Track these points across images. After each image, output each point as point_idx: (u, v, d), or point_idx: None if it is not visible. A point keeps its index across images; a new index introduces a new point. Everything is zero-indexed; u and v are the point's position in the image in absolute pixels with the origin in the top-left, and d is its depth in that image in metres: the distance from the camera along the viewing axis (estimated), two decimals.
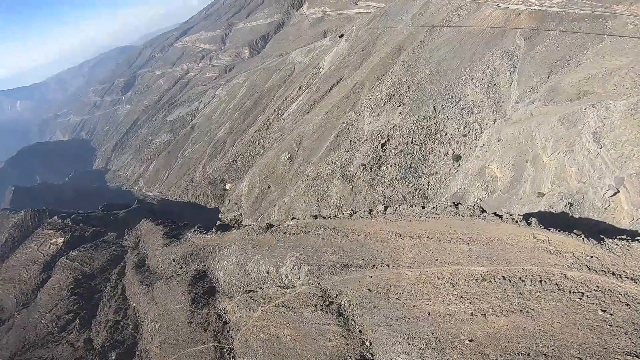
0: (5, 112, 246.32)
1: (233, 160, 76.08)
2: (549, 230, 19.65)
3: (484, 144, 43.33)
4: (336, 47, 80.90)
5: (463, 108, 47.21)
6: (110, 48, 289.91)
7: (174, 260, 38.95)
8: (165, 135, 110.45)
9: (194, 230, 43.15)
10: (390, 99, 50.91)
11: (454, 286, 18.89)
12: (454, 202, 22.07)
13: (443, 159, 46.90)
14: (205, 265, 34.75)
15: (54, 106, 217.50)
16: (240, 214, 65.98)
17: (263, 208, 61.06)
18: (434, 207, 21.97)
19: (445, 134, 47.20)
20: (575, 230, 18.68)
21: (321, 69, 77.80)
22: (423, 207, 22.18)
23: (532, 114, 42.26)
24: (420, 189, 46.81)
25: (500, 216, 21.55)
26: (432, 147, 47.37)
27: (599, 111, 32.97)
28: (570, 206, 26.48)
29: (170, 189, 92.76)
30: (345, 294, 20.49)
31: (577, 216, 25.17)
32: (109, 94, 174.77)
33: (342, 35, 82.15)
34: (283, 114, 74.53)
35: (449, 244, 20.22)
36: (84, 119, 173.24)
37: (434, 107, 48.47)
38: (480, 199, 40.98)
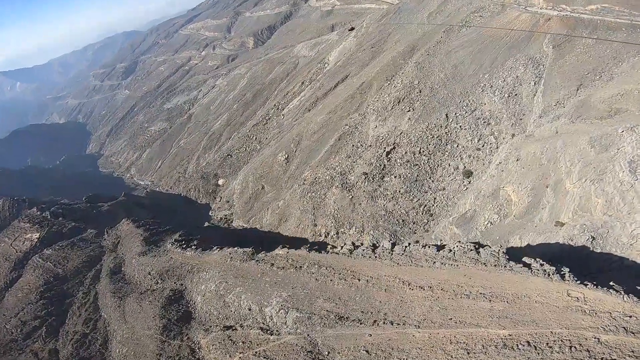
0: (5, 93, 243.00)
1: (228, 155, 71.92)
2: (585, 285, 16.22)
3: (500, 162, 39.12)
4: (344, 42, 76.26)
5: (479, 118, 42.89)
6: (116, 33, 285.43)
7: (149, 274, 34.94)
8: (161, 124, 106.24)
9: (174, 242, 38.97)
10: (399, 102, 46.54)
11: (469, 354, 15.03)
12: (474, 246, 17.94)
13: (453, 173, 42.72)
14: (182, 285, 30.74)
15: (54, 89, 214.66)
16: (232, 213, 62.10)
17: (255, 209, 57.10)
18: (451, 250, 17.85)
19: (457, 146, 42.93)
20: (614, 285, 15.77)
21: (326, 65, 73.27)
22: (438, 249, 18.02)
23: (557, 132, 38.01)
24: (426, 205, 42.74)
25: (529, 266, 17.55)
26: (441, 160, 43.14)
27: (639, 136, 28.77)
28: (593, 240, 24.13)
29: (162, 179, 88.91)
30: (339, 353, 16.56)
31: (598, 250, 23.09)
32: (110, 79, 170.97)
33: (352, 29, 77.45)
34: (283, 109, 70.18)
35: (467, 299, 16.24)
36: (82, 103, 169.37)
37: (446, 114, 44.14)
38: (491, 223, 37.28)
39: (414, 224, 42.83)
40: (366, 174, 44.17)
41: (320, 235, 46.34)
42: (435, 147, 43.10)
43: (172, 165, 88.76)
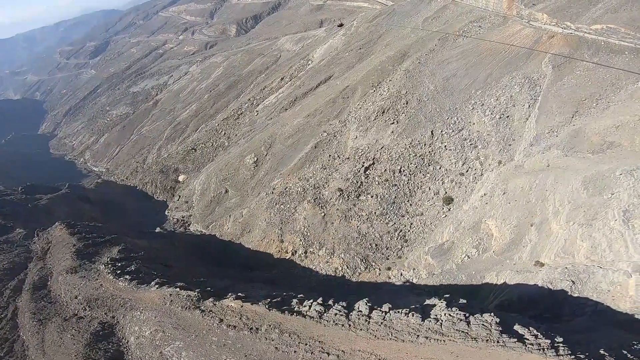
0: None
1: (192, 148, 66.38)
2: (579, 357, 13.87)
3: (485, 194, 36.38)
4: (331, 39, 72.33)
5: (465, 139, 39.87)
6: (94, 10, 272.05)
7: (76, 297, 29.51)
8: (124, 108, 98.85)
9: (108, 263, 33.32)
10: (383, 112, 42.96)
11: None
12: (464, 315, 14.19)
13: (432, 198, 39.59)
14: (114, 319, 25.52)
15: (14, 63, 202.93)
16: (190, 215, 56.84)
17: (216, 214, 52.15)
18: (438, 321, 13.98)
19: (440, 168, 39.77)
20: None
21: (310, 62, 69.07)
22: (423, 319, 14.15)
23: (548, 165, 35.58)
24: (401, 231, 39.49)
25: (523, 338, 14.12)
26: (422, 182, 39.88)
27: (637, 181, 26.67)
28: (572, 284, 23.95)
29: (118, 167, 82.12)
30: None
31: (575, 295, 23.05)
32: (76, 57, 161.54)
33: (341, 25, 73.57)
34: (258, 105, 65.39)
35: None
36: (42, 80, 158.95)
37: (432, 131, 40.91)
38: (468, 257, 35.27)
39: (387, 249, 39.58)
40: (341, 190, 40.28)
41: (287, 253, 42.23)
42: (417, 167, 39.75)
43: (130, 152, 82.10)
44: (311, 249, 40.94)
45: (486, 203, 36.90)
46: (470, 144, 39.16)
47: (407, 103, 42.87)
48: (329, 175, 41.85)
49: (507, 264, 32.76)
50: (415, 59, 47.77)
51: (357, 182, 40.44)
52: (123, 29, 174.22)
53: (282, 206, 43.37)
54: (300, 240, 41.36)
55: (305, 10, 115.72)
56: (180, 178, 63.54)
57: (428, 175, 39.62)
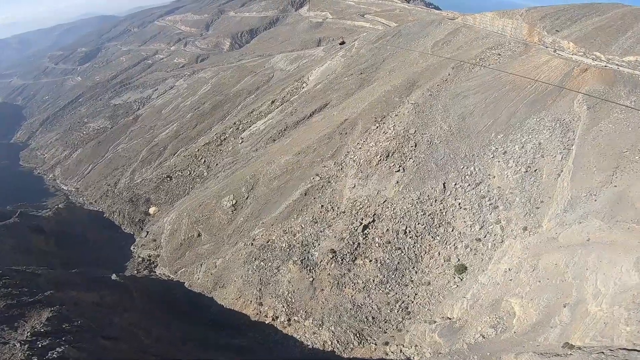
0: None
1: (167, 176, 58.31)
2: None
3: (510, 269, 29.17)
4: (329, 60, 65.50)
5: (484, 197, 32.51)
6: (92, 16, 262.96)
7: None
8: (102, 121, 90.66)
9: (25, 343, 24.89)
10: (387, 156, 35.61)
11: None
12: None
13: (442, 265, 32.24)
14: None
15: (4, 65, 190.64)
16: (157, 256, 48.65)
17: (187, 260, 44.07)
18: None
19: (452, 230, 32.33)
20: None
21: (304, 85, 61.98)
22: None
23: (589, 239, 28.61)
24: (404, 302, 32.11)
25: None
26: (430, 245, 32.42)
27: None
28: None
29: (88, 189, 73.54)
30: None
31: None
32: (65, 62, 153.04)
33: (343, 43, 66.84)
34: (244, 131, 57.80)
35: None
36: (27, 84, 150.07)
37: (444, 184, 33.56)
38: (483, 336, 28.15)
39: (385, 322, 32.12)
40: (334, 252, 32.55)
41: (267, 317, 34.33)
42: (425, 228, 32.22)
43: (103, 173, 73.70)
44: (295, 318, 33.17)
45: (510, 279, 29.80)
46: (490, 204, 31.80)
47: (415, 146, 35.62)
48: (320, 231, 34.13)
49: (529, 345, 25.97)
50: (426, 90, 40.79)
51: (354, 243, 32.79)
52: (117, 36, 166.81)
53: (262, 263, 35.52)
54: (283, 306, 33.58)
55: (304, 28, 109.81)
56: (151, 210, 55.33)
57: (438, 238, 32.15)
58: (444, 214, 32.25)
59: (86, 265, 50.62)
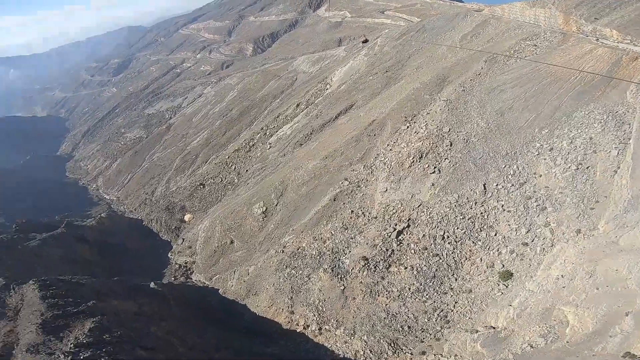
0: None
1: (200, 184, 57.50)
2: None
3: (563, 276, 25.63)
4: (352, 60, 62.39)
5: (530, 198, 28.82)
6: (121, 27, 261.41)
7: None
8: (138, 131, 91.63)
9: (68, 354, 24.14)
10: (421, 157, 32.51)
11: None
12: None
13: (485, 272, 28.95)
14: None
15: (46, 79, 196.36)
16: (193, 262, 47.89)
17: (221, 267, 42.93)
18: None
19: (495, 235, 28.90)
20: None
21: (328, 86, 59.27)
22: None
23: None
24: (442, 310, 29.17)
25: None
26: (470, 251, 29.19)
27: None
28: None
29: (128, 197, 74.32)
30: None
31: None
32: (100, 74, 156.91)
33: (366, 41, 63.31)
34: (271, 136, 55.97)
35: None
36: (68, 97, 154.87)
37: (484, 185, 30.12)
38: (532, 346, 24.98)
39: (422, 331, 29.35)
40: (367, 259, 29.99)
41: (298, 326, 32.40)
42: (465, 232, 29.02)
43: (140, 182, 74.15)
44: (326, 327, 31.04)
45: (563, 287, 26.26)
46: (537, 205, 28.12)
47: (451, 145, 32.32)
48: (351, 238, 31.64)
49: (584, 355, 22.69)
50: (458, 85, 37.18)
51: (387, 250, 30.09)
52: (145, 46, 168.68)
53: (293, 271, 33.52)
54: (314, 315, 31.51)
55: (323, 28, 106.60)
56: (186, 218, 54.71)
57: (479, 243, 28.87)
58: (485, 217, 28.91)
59: (127, 273, 50.60)
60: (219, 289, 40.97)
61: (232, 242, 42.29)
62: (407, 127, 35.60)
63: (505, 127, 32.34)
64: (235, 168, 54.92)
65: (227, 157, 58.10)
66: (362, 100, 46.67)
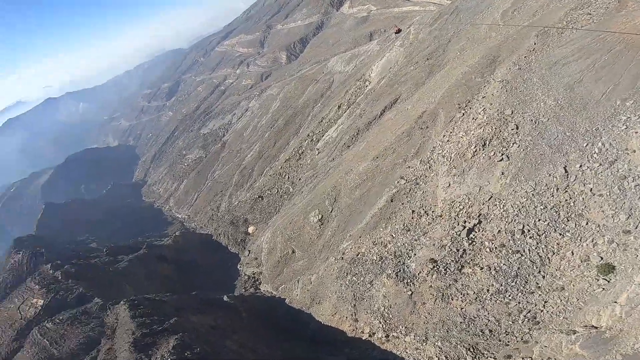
0: (71, 114, 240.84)
1: (259, 197, 57.57)
2: None
3: None
4: (387, 53, 58.43)
5: (624, 177, 23.74)
6: (163, 51, 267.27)
7: None
8: (197, 151, 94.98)
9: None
10: (484, 145, 28.61)
11: None
12: None
13: (579, 267, 24.43)
14: None
15: (110, 109, 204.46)
16: (260, 273, 47.83)
17: (285, 276, 42.18)
18: None
19: (587, 224, 24.23)
20: None
21: (367, 83, 56.01)
22: None
23: None
24: (530, 311, 25.22)
25: None
26: (558, 244, 24.82)
27: None
28: None
29: (197, 214, 77.21)
30: None
31: None
32: (155, 99, 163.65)
33: (399, 31, 58.93)
34: (318, 141, 54.20)
35: None
36: (132, 124, 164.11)
37: (564, 168, 25.52)
38: None
39: (506, 334, 25.66)
40: (435, 261, 26.97)
41: (363, 333, 30.34)
42: (548, 224, 24.76)
43: (206, 199, 76.58)
44: (394, 334, 28.52)
45: None
46: (636, 185, 23.11)
47: (517, 128, 28.00)
48: (415, 240, 28.75)
49: None
50: (512, 64, 32.40)
51: (458, 250, 26.79)
52: (189, 68, 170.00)
53: (354, 278, 31.46)
54: (380, 322, 29.16)
55: (350, 25, 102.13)
56: (250, 230, 55.08)
57: (568, 235, 24.47)
58: (571, 204, 24.47)
59: (202, 287, 52.08)
60: (285, 299, 40.28)
61: (293, 251, 41.29)
62: (463, 114, 31.66)
63: (578, 102, 27.27)
64: (288, 177, 54.07)
65: (279, 167, 57.45)
66: (407, 93, 43.01)
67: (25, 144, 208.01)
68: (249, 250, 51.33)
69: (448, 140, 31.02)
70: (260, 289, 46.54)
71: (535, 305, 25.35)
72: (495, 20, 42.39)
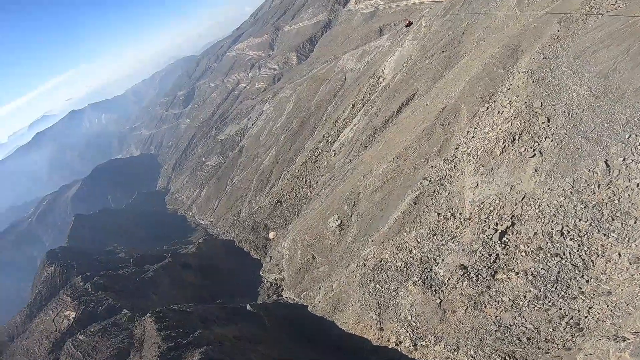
0: (93, 125, 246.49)
1: (277, 201, 56.61)
2: None
3: None
4: (399, 48, 55.98)
5: None
6: (177, 59, 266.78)
7: None
8: (216, 157, 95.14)
9: None
10: (514, 141, 26.31)
11: None
12: None
13: (627, 269, 21.92)
14: None
15: (131, 119, 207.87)
16: (282, 279, 46.89)
17: (307, 283, 41.04)
18: None
19: (635, 222, 21.70)
20: None
21: (381, 80, 53.82)
22: None
23: None
24: (572, 318, 22.85)
25: None
26: (602, 246, 22.33)
27: None
28: None
29: (219, 220, 77.29)
30: None
31: None
32: (172, 107, 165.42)
33: (410, 24, 56.20)
34: (334, 142, 52.56)
35: None
36: (153, 133, 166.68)
37: (605, 162, 22.97)
38: None
39: (546, 342, 23.38)
40: (465, 267, 24.98)
41: (389, 342, 28.68)
42: (590, 224, 22.32)
43: (227, 205, 76.39)
44: (422, 343, 26.71)
45: None
46: None
47: (548, 121, 25.57)
48: (442, 245, 26.83)
49: None
50: (536, 53, 29.78)
51: (490, 255, 24.70)
52: (202, 74, 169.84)
53: (378, 285, 29.81)
54: (407, 331, 27.37)
55: (358, 21, 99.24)
56: (270, 235, 54.26)
57: (614, 235, 21.98)
58: (615, 202, 21.99)
59: (226, 294, 51.70)
60: (307, 306, 39.11)
61: (313, 257, 39.98)
62: (487, 108, 29.34)
63: (615, 91, 24.55)
64: (306, 181, 52.78)
65: (297, 171, 56.21)
66: (424, 88, 40.74)
67: (53, 158, 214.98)
68: (270, 257, 50.45)
69: (473, 137, 28.80)
70: (282, 296, 45.59)
71: (579, 312, 23.05)
72: (511, 8, 39.45)
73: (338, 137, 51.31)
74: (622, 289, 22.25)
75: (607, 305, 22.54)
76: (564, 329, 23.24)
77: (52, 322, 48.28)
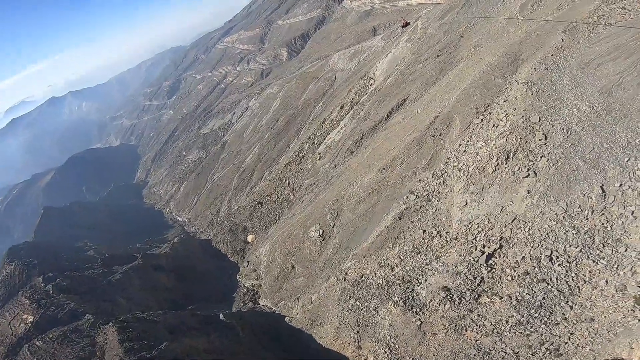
0: (73, 113, 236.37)
1: (258, 203, 54.33)
2: None
3: None
4: (393, 49, 54.29)
5: None
6: (165, 48, 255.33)
7: None
8: (197, 152, 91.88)
9: None
10: (508, 158, 24.87)
11: None
12: None
13: (613, 296, 20.85)
14: None
15: (113, 108, 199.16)
16: (259, 285, 44.86)
17: (285, 292, 39.13)
18: None
19: (626, 250, 20.55)
20: None
21: (372, 82, 52.07)
22: None
23: None
24: (552, 343, 21.76)
25: None
26: (590, 272, 21.18)
27: None
28: None
29: (197, 218, 74.41)
30: None
31: None
32: (156, 98, 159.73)
33: (406, 25, 54.41)
34: (319, 144, 50.56)
35: None
36: (134, 123, 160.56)
37: (601, 186, 21.74)
38: None
39: None
40: (449, 290, 23.50)
41: None
42: (581, 250, 21.09)
43: (206, 203, 73.59)
44: None
45: None
46: None
47: (545, 138, 24.22)
48: (426, 264, 25.30)
49: None
50: (538, 63, 28.40)
51: (475, 278, 23.30)
52: (189, 65, 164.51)
53: (357, 302, 28.23)
54: (385, 352, 25.94)
55: (353, 20, 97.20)
56: (249, 238, 51.99)
57: (602, 262, 20.84)
58: (608, 228, 20.84)
59: (201, 299, 49.27)
60: (285, 316, 37.31)
61: (293, 267, 38.05)
62: (482, 120, 27.85)
63: (618, 109, 23.34)
64: (289, 183, 50.66)
65: (279, 172, 53.99)
66: (416, 93, 39.09)
67: (29, 144, 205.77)
68: (248, 261, 48.29)
69: (465, 151, 27.27)
70: (259, 304, 43.62)
71: (560, 337, 21.92)
72: (513, 14, 38.15)
73: (324, 139, 49.34)
74: (605, 316, 21.18)
75: (589, 332, 21.48)
76: (543, 354, 22.11)
77: (8, 326, 44.90)
